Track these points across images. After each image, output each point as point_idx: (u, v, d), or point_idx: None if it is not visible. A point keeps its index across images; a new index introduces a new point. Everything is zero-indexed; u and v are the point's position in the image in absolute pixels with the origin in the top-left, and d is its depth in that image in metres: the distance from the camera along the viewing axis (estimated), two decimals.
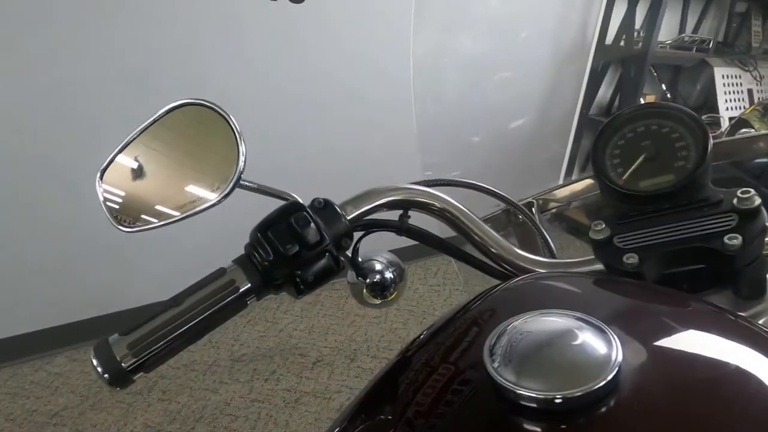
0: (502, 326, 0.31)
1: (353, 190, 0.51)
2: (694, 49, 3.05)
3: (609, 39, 2.81)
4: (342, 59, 2.01)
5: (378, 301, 0.51)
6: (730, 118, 2.84)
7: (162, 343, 0.38)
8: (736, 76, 3.24)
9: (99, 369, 0.36)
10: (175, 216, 0.43)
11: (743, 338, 0.31)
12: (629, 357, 0.27)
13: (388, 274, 0.50)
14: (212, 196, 0.42)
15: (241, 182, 0.42)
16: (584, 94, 2.90)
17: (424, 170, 1.75)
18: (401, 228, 0.48)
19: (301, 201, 0.45)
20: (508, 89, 2.40)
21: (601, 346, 0.28)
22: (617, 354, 0.27)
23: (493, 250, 0.47)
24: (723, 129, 2.50)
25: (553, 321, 0.30)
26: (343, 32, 1.99)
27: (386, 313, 2.22)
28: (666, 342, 0.30)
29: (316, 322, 2.15)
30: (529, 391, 0.26)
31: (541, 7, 2.57)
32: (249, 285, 0.40)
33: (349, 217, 0.45)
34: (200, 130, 0.44)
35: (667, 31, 3.24)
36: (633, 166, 0.46)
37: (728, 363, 0.29)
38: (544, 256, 0.58)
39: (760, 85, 3.41)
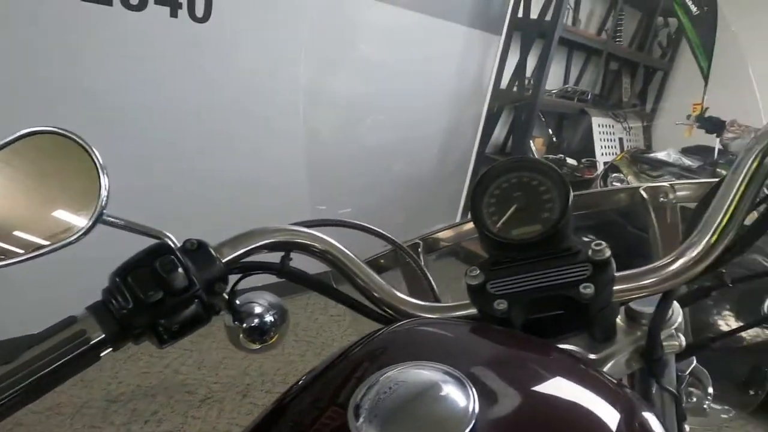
0: (371, 379, 0.31)
1: (241, 225, 0.49)
2: (576, 99, 3.39)
3: (503, 84, 3.05)
4: (239, 85, 1.97)
5: (257, 346, 0.48)
6: (605, 163, 3.18)
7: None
8: (609, 126, 3.64)
9: None
10: (21, 254, 0.38)
11: (590, 385, 0.33)
12: (485, 409, 0.28)
13: (268, 318, 0.48)
14: (70, 233, 0.38)
15: (105, 218, 0.38)
16: (481, 134, 3.10)
17: (313, 205, 1.75)
18: (281, 270, 0.47)
19: (173, 241, 0.42)
20: (409, 130, 2.49)
21: (461, 398, 0.28)
22: (474, 407, 0.28)
23: (374, 294, 0.48)
24: (599, 172, 2.79)
25: (418, 374, 0.30)
26: (242, 56, 1.96)
27: (283, 346, 2.15)
28: (520, 391, 0.32)
29: (208, 356, 2.02)
30: None
31: (441, 54, 2.72)
32: (103, 336, 0.36)
33: (225, 260, 0.43)
34: (59, 160, 0.40)
35: (553, 81, 3.58)
36: (506, 216, 0.49)
37: (575, 409, 0.31)
38: (429, 299, 0.60)
39: (629, 135, 3.86)
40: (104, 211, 0.38)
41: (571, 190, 0.47)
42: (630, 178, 2.55)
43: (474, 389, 0.29)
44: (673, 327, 0.47)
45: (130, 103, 1.72)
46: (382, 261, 0.66)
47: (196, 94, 1.85)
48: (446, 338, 0.38)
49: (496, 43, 2.98)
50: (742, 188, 0.40)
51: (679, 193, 0.57)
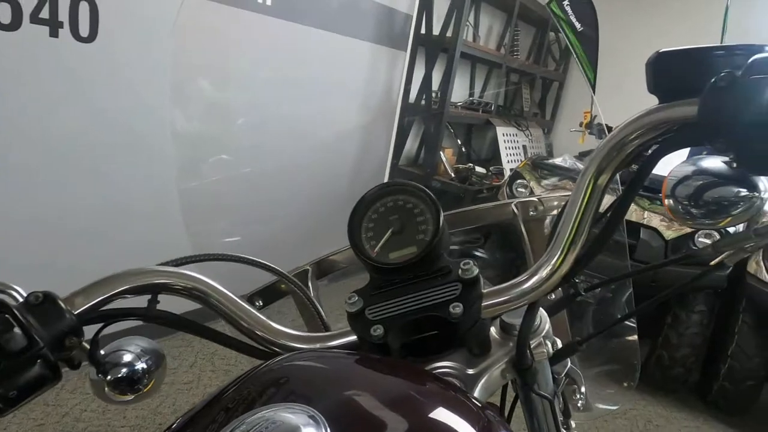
0: (230, 425, 0.30)
1: (110, 260, 0.46)
2: (480, 110, 3.56)
3: (412, 98, 3.13)
4: (126, 108, 1.87)
5: (128, 397, 0.45)
6: (511, 170, 3.35)
7: None
8: (513, 134, 3.85)
9: None
10: None
11: (452, 410, 0.34)
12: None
13: (139, 365, 0.45)
14: None
15: None
16: (394, 147, 3.16)
17: (190, 237, 1.68)
18: (147, 315, 0.44)
19: (19, 293, 0.38)
20: (319, 148, 2.47)
21: None
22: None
23: (257, 331, 0.46)
24: (505, 179, 2.93)
25: (274, 418, 0.30)
26: (132, 77, 1.86)
27: (199, 377, 2.04)
28: (379, 424, 0.32)
29: None
30: None
31: (348, 71, 2.75)
32: None
33: (78, 311, 0.40)
34: None
35: (459, 94, 3.74)
36: (382, 240, 0.49)
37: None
38: (319, 328, 0.59)
39: (532, 142, 4.10)
40: None
41: (442, 211, 0.48)
42: (532, 183, 2.70)
43: (330, 430, 0.28)
44: (541, 335, 0.49)
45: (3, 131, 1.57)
46: (273, 290, 0.64)
47: (78, 118, 1.73)
48: (315, 373, 0.37)
49: (403, 58, 3.07)
50: (582, 207, 0.43)
51: (547, 206, 0.61)
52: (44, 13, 1.59)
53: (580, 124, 3.23)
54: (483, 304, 0.45)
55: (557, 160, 2.96)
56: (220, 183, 2.04)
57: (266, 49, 2.24)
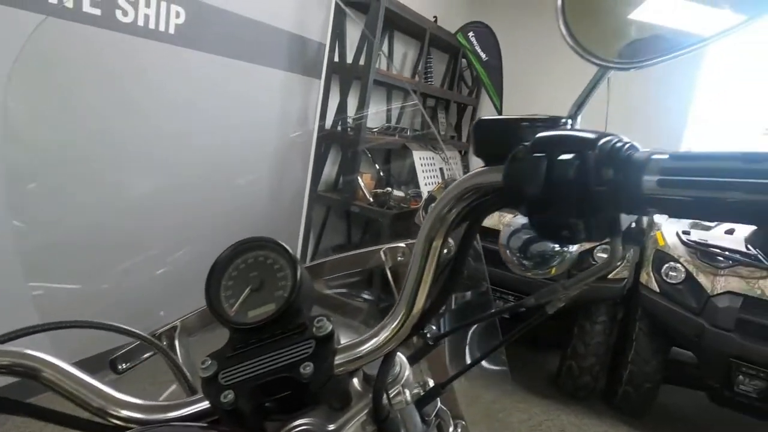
0: None
1: None
2: (397, 135, 3.64)
3: (328, 125, 3.16)
4: None
5: None
6: (428, 192, 3.45)
7: None
8: (430, 158, 3.97)
9: None
10: None
11: None
12: None
13: None
14: None
15: None
16: (312, 174, 3.15)
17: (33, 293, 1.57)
18: None
19: None
20: (231, 182, 2.41)
21: None
22: None
23: (93, 404, 0.44)
24: (422, 201, 3.01)
25: None
26: None
27: None
28: None
29: None
30: None
31: (262, 99, 2.72)
32: None
33: None
34: None
35: (376, 119, 3.82)
36: (240, 298, 0.49)
37: None
38: (186, 392, 0.57)
39: (448, 165, 4.25)
40: None
41: (299, 266, 0.49)
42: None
43: None
44: (401, 383, 0.50)
45: None
46: (138, 351, 0.61)
47: None
48: None
49: (317, 86, 3.09)
50: (422, 266, 0.45)
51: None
52: None
53: None
54: (337, 361, 0.45)
55: None
56: (106, 225, 1.92)
57: (173, 79, 2.17)
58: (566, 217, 0.35)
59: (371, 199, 3.19)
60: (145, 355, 0.61)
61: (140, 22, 1.97)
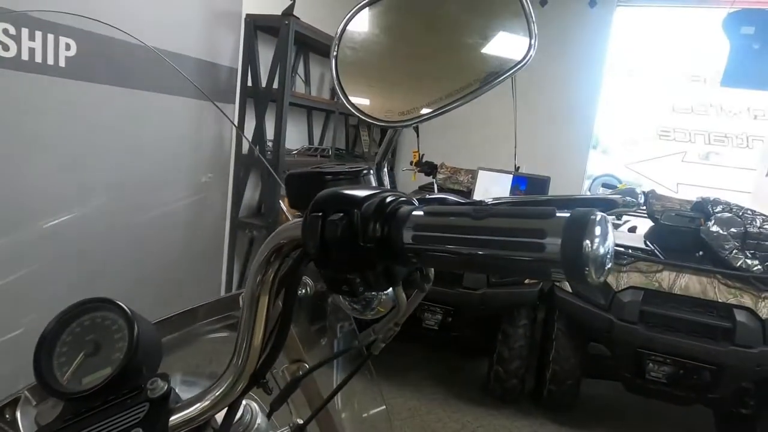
0: None
1: None
2: (318, 155, 3.65)
3: (245, 149, 3.11)
4: None
5: None
6: None
7: None
8: None
9: None
10: None
11: None
12: None
13: None
14: None
15: None
16: (231, 201, 3.09)
17: None
18: None
19: None
20: (140, 216, 2.31)
21: None
22: None
23: None
24: None
25: None
26: None
27: None
28: None
29: None
30: None
31: (174, 129, 2.65)
32: None
33: None
34: None
35: (298, 140, 3.80)
36: (73, 365, 0.47)
37: None
38: None
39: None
40: None
41: (137, 326, 0.48)
42: None
43: None
44: (253, 429, 0.50)
45: None
46: None
47: None
48: None
49: (232, 111, 3.04)
50: (252, 322, 0.45)
51: None
52: None
53: (411, 163, 3.47)
54: (172, 421, 0.45)
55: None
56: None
57: (68, 113, 2.06)
58: (343, 273, 0.36)
59: None
60: None
61: (24, 56, 1.86)
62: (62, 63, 1.99)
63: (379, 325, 0.47)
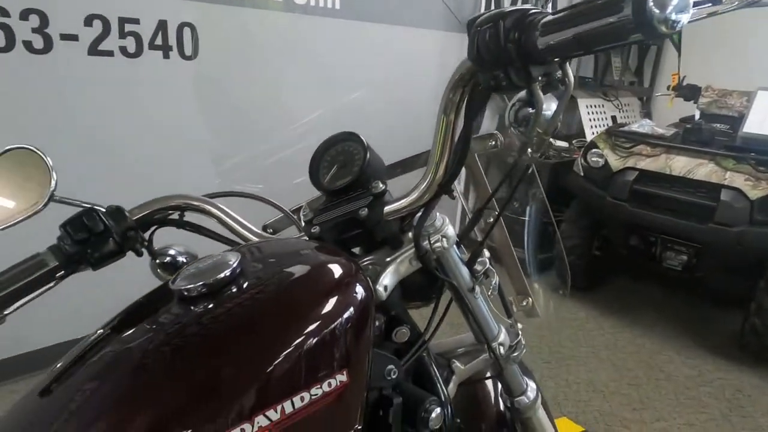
0: (202, 259, 0.54)
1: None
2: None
3: None
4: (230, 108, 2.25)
5: (171, 276, 0.71)
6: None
7: None
8: (599, 106, 3.75)
9: None
10: (14, 219, 0.62)
11: (323, 261, 0.55)
12: (245, 269, 0.51)
13: (181, 258, 0.72)
14: (36, 207, 0.62)
15: (55, 198, 0.62)
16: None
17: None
18: (179, 223, 0.70)
19: (99, 207, 0.65)
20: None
21: (232, 262, 0.51)
22: (236, 267, 0.50)
23: (237, 229, 0.70)
24: (581, 151, 2.91)
25: (220, 256, 0.53)
26: (230, 86, 2.24)
27: None
28: (272, 269, 0.54)
29: None
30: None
31: (425, 57, 2.94)
32: (57, 263, 0.60)
33: (135, 217, 0.67)
34: (26, 166, 0.65)
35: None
36: (330, 172, 0.71)
37: (304, 275, 0.53)
38: None
39: (622, 111, 3.94)
40: (54, 193, 0.62)
41: (368, 151, 0.68)
42: (606, 152, 2.67)
43: (242, 263, 0.52)
44: (440, 233, 0.67)
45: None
46: (282, 222, 0.88)
47: (190, 116, 2.16)
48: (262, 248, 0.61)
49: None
50: (441, 136, 0.61)
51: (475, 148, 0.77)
52: (158, 41, 2.02)
53: (668, 88, 3.08)
54: (386, 209, 0.64)
55: (634, 126, 2.88)
56: None
57: (341, 47, 2.52)
58: (491, 69, 0.48)
59: None
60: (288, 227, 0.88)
61: (312, 3, 2.34)
62: (337, 5, 2.43)
63: (528, 134, 0.57)
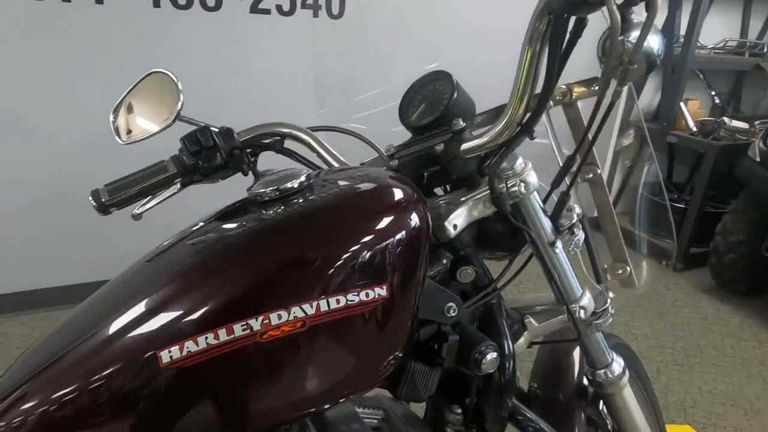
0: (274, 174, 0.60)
1: None
2: (747, 54, 2.99)
3: None
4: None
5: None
6: None
7: (123, 192, 0.69)
8: None
9: (92, 203, 0.68)
10: (150, 131, 0.74)
11: (387, 185, 0.57)
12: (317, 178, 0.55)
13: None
14: (167, 122, 0.73)
15: (181, 117, 0.72)
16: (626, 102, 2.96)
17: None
18: (277, 148, 0.77)
19: (213, 128, 0.74)
20: None
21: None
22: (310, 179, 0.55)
23: (326, 157, 0.74)
24: (760, 134, 2.47)
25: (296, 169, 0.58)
26: (372, 42, 2.31)
27: None
28: (345, 181, 0.57)
29: None
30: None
31: None
32: (175, 170, 0.71)
33: (242, 139, 0.74)
34: (164, 86, 0.76)
35: (724, 33, 3.16)
36: (418, 110, 0.72)
37: (369, 191, 0.55)
38: None
39: None
40: (181, 113, 0.72)
41: (456, 91, 0.68)
42: None
43: (312, 177, 0.56)
44: (518, 177, 0.64)
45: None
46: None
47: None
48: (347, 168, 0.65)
49: None
50: (524, 71, 0.57)
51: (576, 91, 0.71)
52: (309, 0, 2.17)
53: None
54: (463, 147, 0.63)
55: None
56: None
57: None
58: None
59: (694, 129, 2.80)
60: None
61: None
62: None
63: (607, 61, 0.51)
